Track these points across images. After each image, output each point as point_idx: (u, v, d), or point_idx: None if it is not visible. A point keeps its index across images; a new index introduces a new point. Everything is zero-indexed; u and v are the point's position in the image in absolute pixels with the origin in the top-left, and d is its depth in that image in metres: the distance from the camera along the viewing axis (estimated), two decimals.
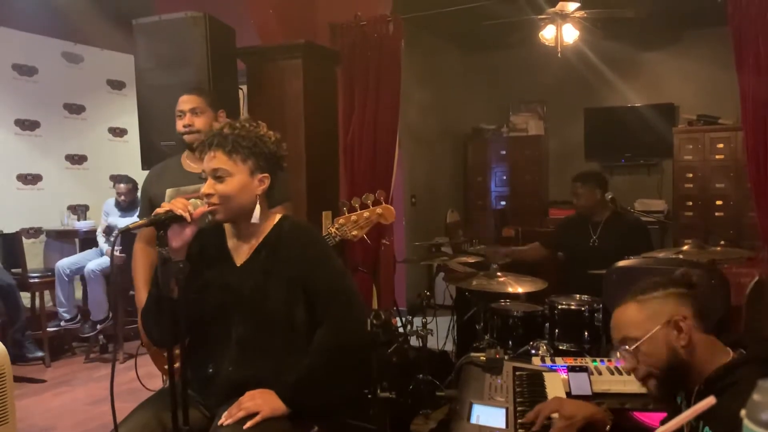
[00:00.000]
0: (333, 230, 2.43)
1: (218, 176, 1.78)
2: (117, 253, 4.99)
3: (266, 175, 1.84)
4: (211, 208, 1.76)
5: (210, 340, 1.86)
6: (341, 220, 2.45)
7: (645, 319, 1.50)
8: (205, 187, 1.79)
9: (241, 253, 1.90)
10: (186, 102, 2.63)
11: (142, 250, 2.71)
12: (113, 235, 5.05)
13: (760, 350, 1.44)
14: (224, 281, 1.86)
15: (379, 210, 2.43)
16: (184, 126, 2.61)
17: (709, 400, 0.60)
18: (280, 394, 1.75)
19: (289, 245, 1.86)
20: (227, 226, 1.92)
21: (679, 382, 1.50)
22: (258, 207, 1.84)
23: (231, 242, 1.92)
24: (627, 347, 1.51)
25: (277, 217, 1.95)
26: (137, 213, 5.11)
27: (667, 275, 1.59)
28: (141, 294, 2.65)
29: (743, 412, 0.57)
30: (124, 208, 5.25)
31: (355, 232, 2.43)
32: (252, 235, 1.89)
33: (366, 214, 2.43)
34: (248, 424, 1.67)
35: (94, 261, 5.11)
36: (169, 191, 2.57)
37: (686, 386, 1.51)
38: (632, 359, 1.51)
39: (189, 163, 2.65)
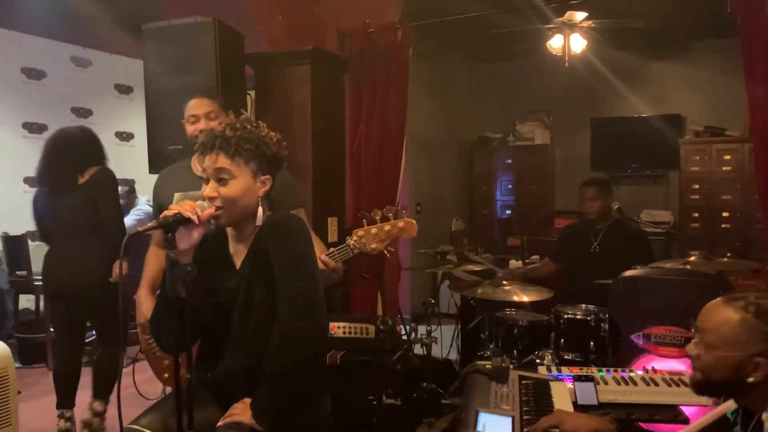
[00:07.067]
0: (352, 242, 2.32)
1: (221, 179, 1.77)
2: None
3: (268, 176, 1.83)
4: (216, 213, 1.74)
5: (216, 344, 1.87)
6: (361, 232, 2.34)
7: (734, 338, 1.45)
8: (208, 190, 1.77)
9: (240, 256, 1.89)
10: (199, 106, 2.59)
11: (155, 254, 2.70)
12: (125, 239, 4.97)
13: None
14: (225, 286, 1.86)
15: (401, 224, 2.30)
16: (201, 131, 2.52)
17: (729, 404, 0.59)
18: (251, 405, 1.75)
19: (269, 244, 1.81)
20: (229, 231, 1.90)
21: (721, 394, 1.48)
22: (260, 209, 1.82)
23: (232, 247, 1.91)
24: (700, 339, 1.50)
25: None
26: (130, 215, 5.06)
27: None
28: (142, 299, 2.64)
29: (765, 416, 0.56)
30: None
31: (374, 245, 2.31)
32: (250, 236, 1.87)
33: (387, 227, 2.31)
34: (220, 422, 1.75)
35: None
36: (177, 195, 2.54)
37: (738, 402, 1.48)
38: (699, 350, 1.50)
39: (198, 166, 2.63)
